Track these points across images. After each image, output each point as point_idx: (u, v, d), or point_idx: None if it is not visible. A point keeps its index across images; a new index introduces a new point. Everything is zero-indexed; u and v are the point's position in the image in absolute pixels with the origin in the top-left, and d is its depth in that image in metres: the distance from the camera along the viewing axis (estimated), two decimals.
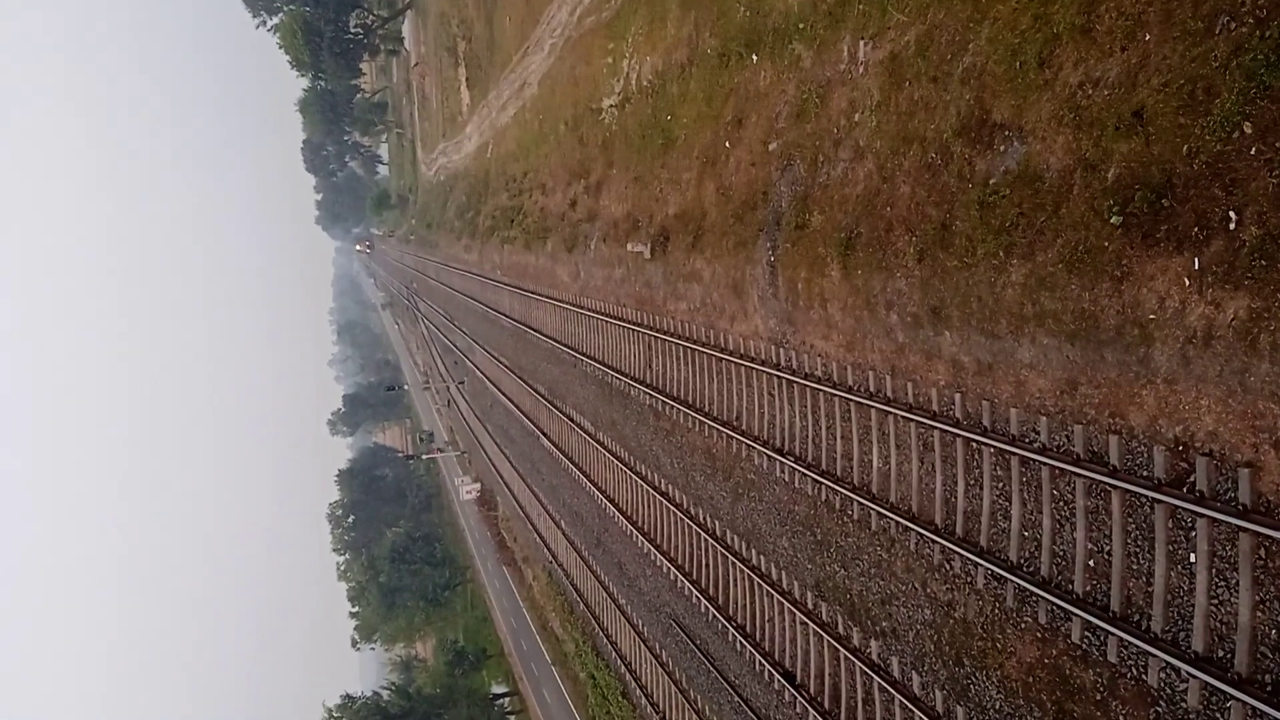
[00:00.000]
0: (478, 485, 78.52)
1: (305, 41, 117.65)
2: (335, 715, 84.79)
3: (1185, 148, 10.99)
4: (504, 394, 58.38)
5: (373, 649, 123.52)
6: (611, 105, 36.11)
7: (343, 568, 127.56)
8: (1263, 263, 10.04)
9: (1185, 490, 11.22)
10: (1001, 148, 14.32)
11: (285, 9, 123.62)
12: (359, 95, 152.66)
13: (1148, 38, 11.71)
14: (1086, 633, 12.94)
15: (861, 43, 18.53)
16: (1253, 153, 10.17)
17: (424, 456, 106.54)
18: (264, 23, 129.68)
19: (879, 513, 17.77)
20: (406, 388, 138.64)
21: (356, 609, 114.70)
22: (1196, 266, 10.84)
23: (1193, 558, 11.24)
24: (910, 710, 17.04)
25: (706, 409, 26.04)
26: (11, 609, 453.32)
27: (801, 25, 21.04)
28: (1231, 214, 10.40)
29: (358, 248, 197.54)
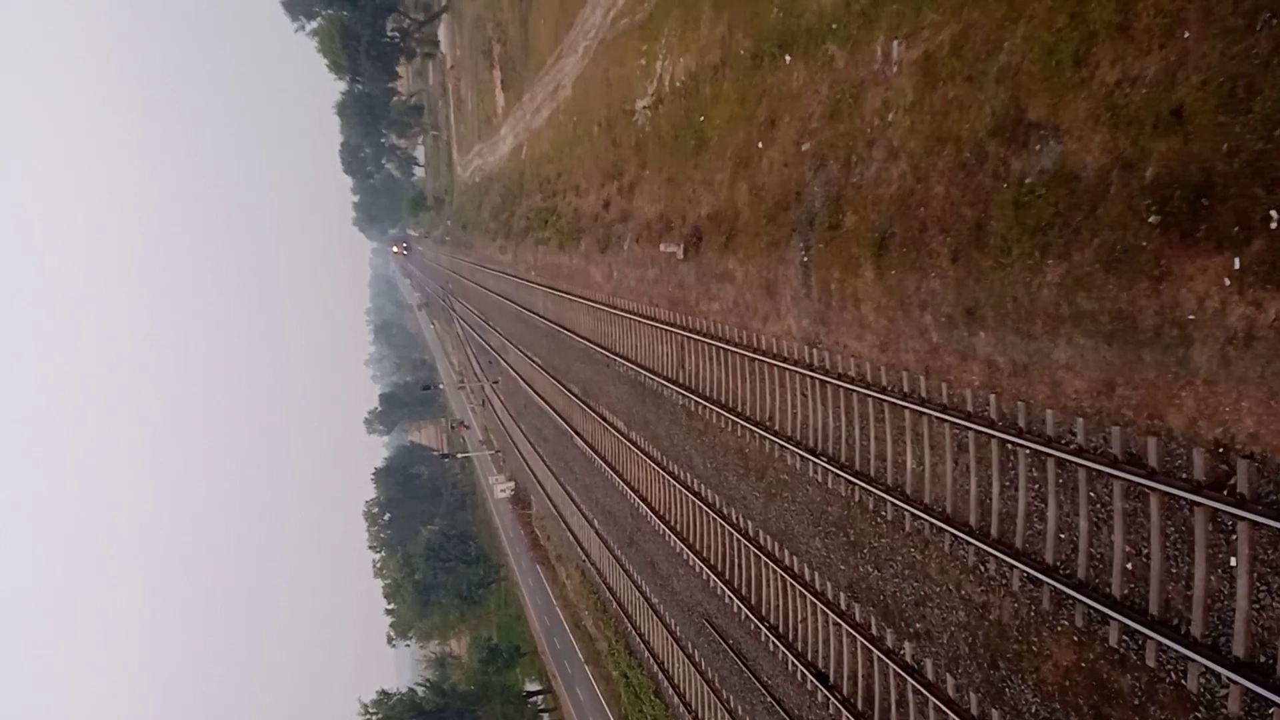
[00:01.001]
0: (512, 484, 78.92)
1: (343, 45, 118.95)
2: (371, 711, 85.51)
3: (1225, 146, 10.85)
4: (537, 393, 58.66)
5: (408, 646, 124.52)
6: (645, 106, 36.17)
7: (379, 565, 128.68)
8: None
9: (1226, 493, 11.08)
10: (1037, 147, 14.20)
11: (324, 14, 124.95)
12: (395, 98, 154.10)
13: (1186, 35, 11.56)
14: (1124, 636, 12.80)
15: (895, 42, 18.44)
16: None
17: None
18: (303, 27, 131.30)
19: (913, 514, 17.68)
20: (442, 387, 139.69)
21: (392, 606, 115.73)
22: (1237, 266, 10.70)
23: (1233, 561, 11.09)
24: (945, 713, 16.93)
25: (739, 409, 26.02)
26: (48, 599, 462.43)
27: (835, 25, 20.97)
28: (1273, 213, 10.25)
29: (395, 249, 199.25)
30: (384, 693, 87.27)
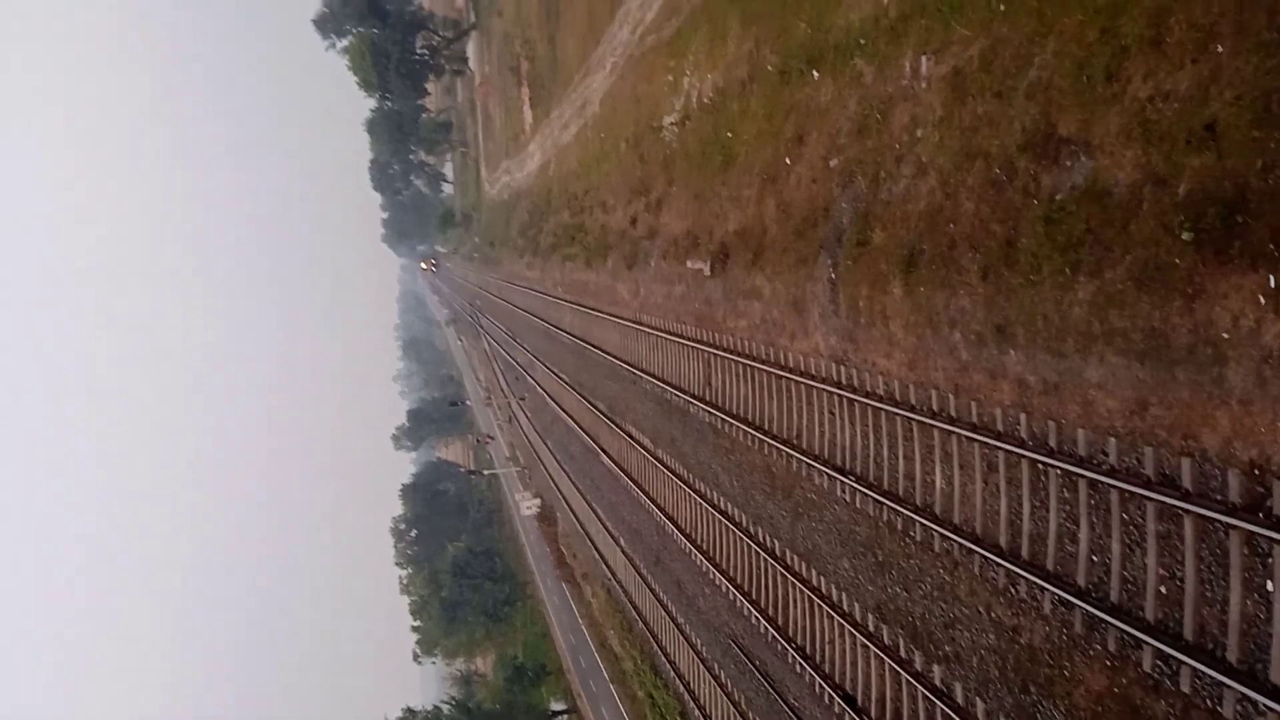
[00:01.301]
0: (538, 501, 78.93)
1: (373, 63, 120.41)
2: None
3: (1260, 162, 10.67)
4: (564, 410, 58.70)
5: (434, 663, 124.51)
6: (672, 123, 36.26)
7: (405, 581, 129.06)
8: None
9: (1261, 515, 10.83)
10: (1068, 163, 14.05)
11: (354, 31, 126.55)
12: (424, 115, 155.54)
13: (1220, 50, 11.41)
14: (1158, 661, 12.53)
15: (924, 58, 18.36)
16: None
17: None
18: (333, 45, 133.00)
19: (942, 534, 17.46)
20: (469, 403, 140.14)
21: (418, 623, 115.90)
22: (1273, 284, 10.50)
23: (1270, 585, 10.84)
24: None
25: (766, 427, 25.88)
26: (77, 609, 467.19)
27: (863, 41, 20.93)
28: None
29: (423, 265, 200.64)
30: (409, 710, 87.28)
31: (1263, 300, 10.62)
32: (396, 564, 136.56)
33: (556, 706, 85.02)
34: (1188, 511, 11.85)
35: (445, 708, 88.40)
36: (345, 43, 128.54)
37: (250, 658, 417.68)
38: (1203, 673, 11.59)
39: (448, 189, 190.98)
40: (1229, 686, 11.17)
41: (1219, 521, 11.40)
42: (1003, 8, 16.04)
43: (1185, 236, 11.57)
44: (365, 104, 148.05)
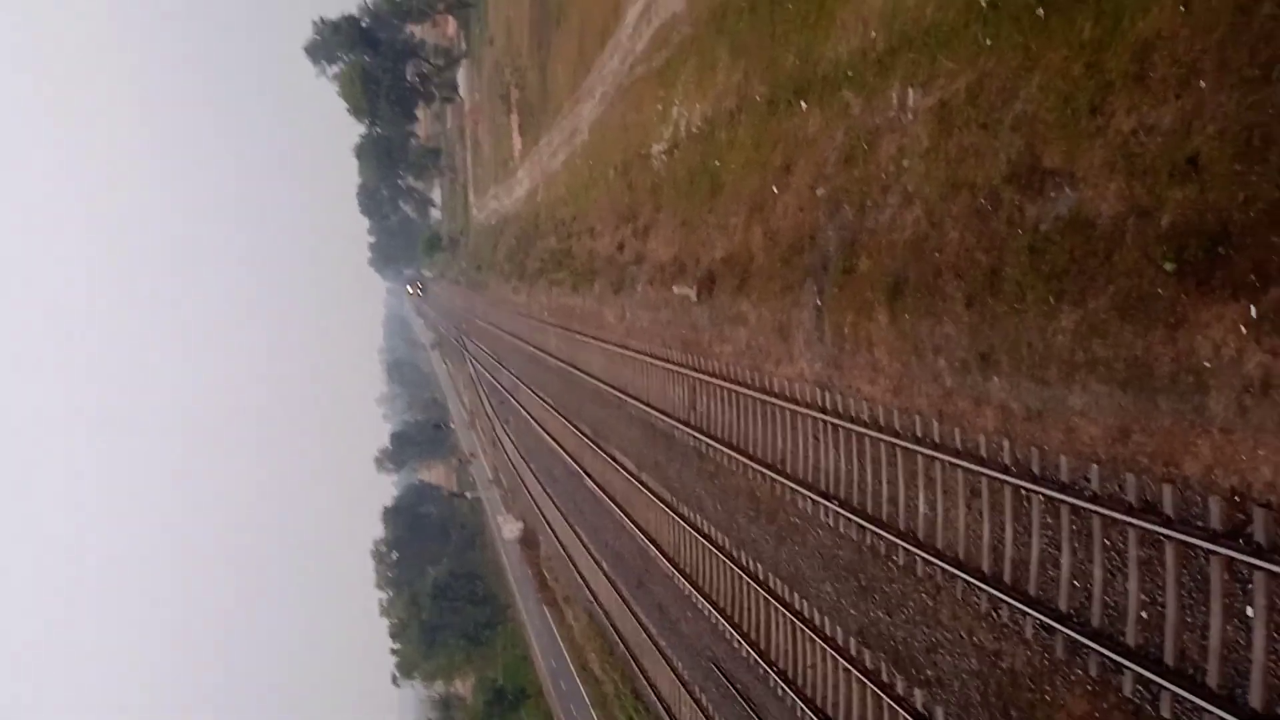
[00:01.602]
0: (520, 524, 78.65)
1: (363, 90, 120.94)
2: None
3: (1241, 195, 10.91)
4: (548, 434, 58.64)
5: (413, 686, 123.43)
6: (661, 151, 36.59)
7: (385, 604, 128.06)
8: None
9: (1242, 542, 10.98)
10: (1052, 194, 14.30)
11: (345, 59, 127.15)
12: (414, 141, 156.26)
13: (1202, 85, 11.69)
14: (1139, 686, 12.62)
15: (911, 90, 18.66)
16: None
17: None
18: (324, 72, 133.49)
19: (925, 559, 17.55)
20: (453, 426, 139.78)
21: (398, 645, 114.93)
22: (1254, 314, 10.71)
23: (1250, 611, 10.97)
24: None
25: (751, 451, 25.97)
26: (60, 637, 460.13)
27: (851, 73, 21.26)
28: None
29: (409, 289, 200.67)
30: None
31: (1244, 330, 10.83)
32: (377, 586, 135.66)
33: None
34: (1169, 538, 11.99)
35: None
36: (336, 69, 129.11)
37: (227, 677, 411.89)
38: (1183, 698, 11.69)
39: (435, 214, 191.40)
40: (1209, 711, 11.26)
41: (1200, 548, 11.54)
42: (989, 42, 16.36)
43: (1168, 267, 11.80)
44: (355, 129, 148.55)
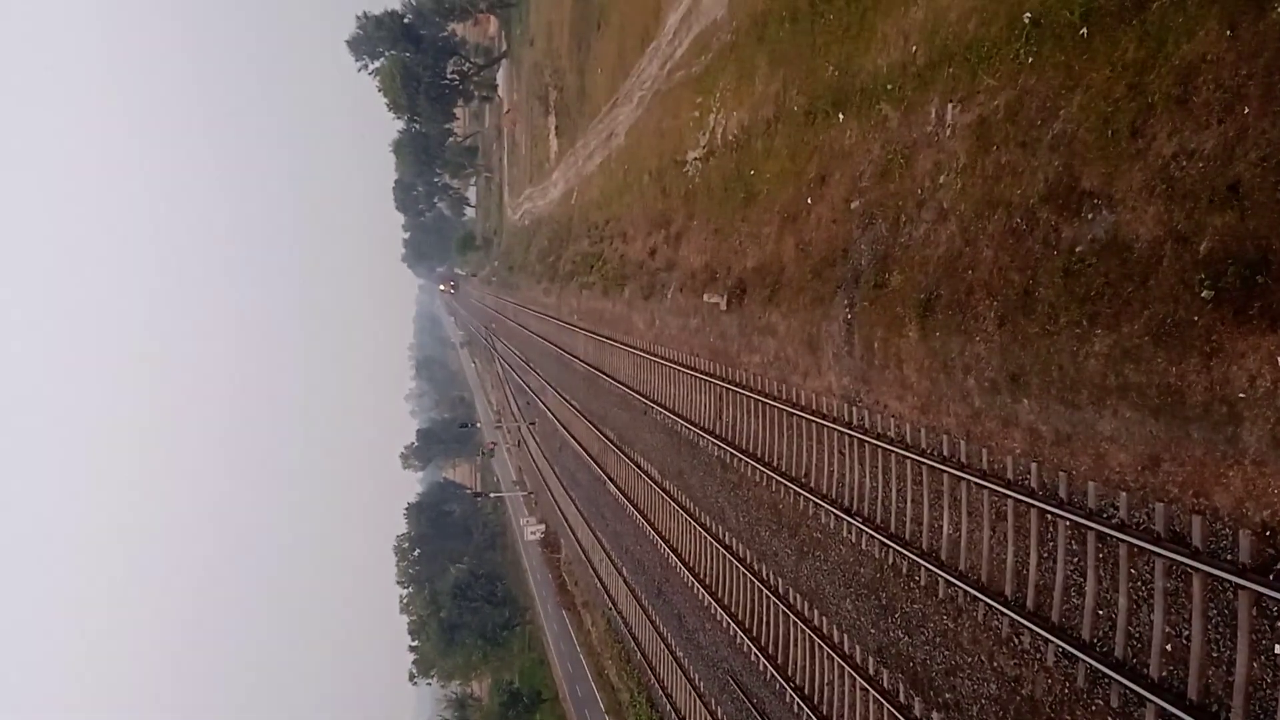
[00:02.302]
0: (542, 526, 78.78)
1: (403, 86, 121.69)
2: None
3: None
4: (573, 437, 58.71)
5: (429, 684, 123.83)
6: (696, 158, 36.53)
7: (405, 601, 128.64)
8: None
9: (1272, 577, 10.76)
10: (1089, 216, 14.11)
11: (387, 54, 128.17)
12: (451, 139, 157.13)
13: (1246, 111, 11.49)
14: None
15: (950, 105, 18.50)
16: None
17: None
18: (365, 67, 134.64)
19: (947, 580, 17.36)
20: (479, 425, 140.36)
21: (416, 643, 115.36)
22: None
23: (1278, 649, 10.74)
24: None
25: (775, 464, 25.83)
26: (83, 633, 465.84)
27: (889, 86, 21.11)
28: None
29: (442, 287, 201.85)
30: None
31: None
32: (398, 583, 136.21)
33: None
34: (1196, 570, 11.78)
35: None
36: (377, 65, 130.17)
37: (243, 671, 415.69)
38: None
39: (470, 212, 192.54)
40: None
41: (1228, 581, 11.32)
42: (1030, 60, 16.18)
43: (1205, 294, 11.60)
44: (393, 125, 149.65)
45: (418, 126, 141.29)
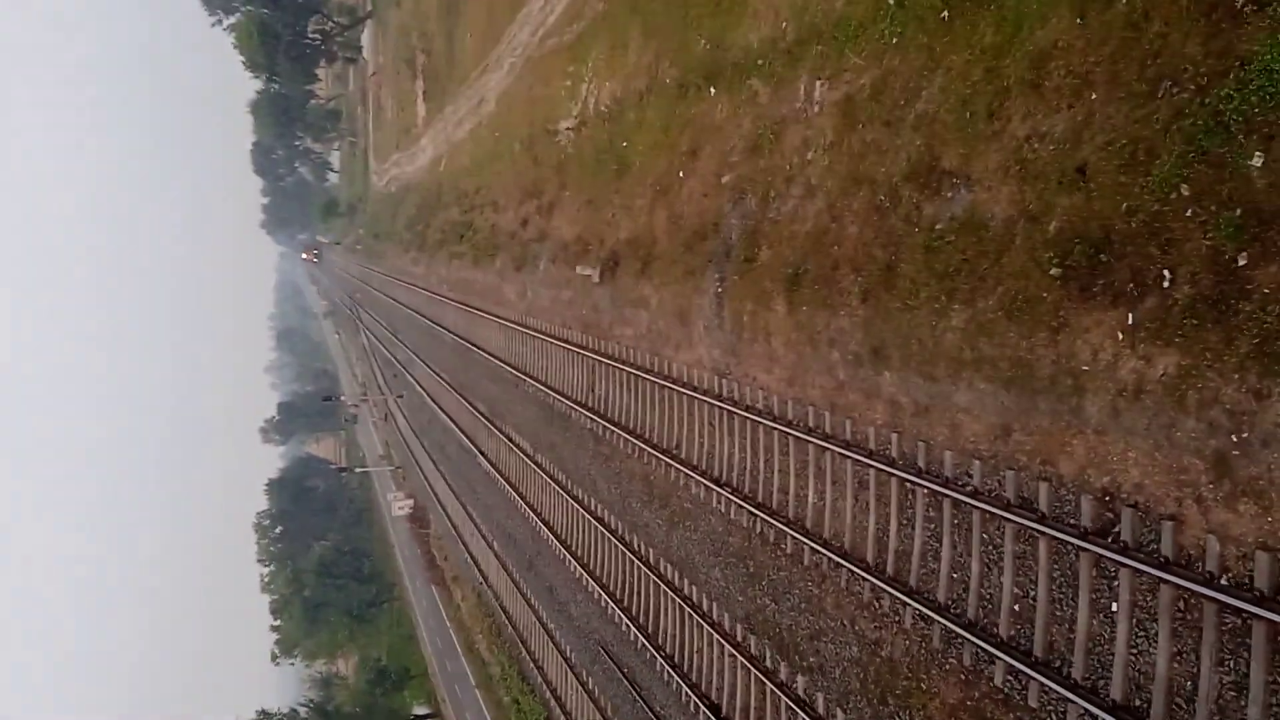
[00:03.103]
0: (410, 501, 77.41)
1: (261, 43, 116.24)
2: None
3: (1125, 205, 11.29)
4: (443, 410, 57.76)
5: (293, 664, 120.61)
6: (568, 128, 36.18)
7: (267, 579, 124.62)
8: (1194, 322, 10.33)
9: (1110, 540, 11.43)
10: (949, 194, 14.59)
11: (243, 9, 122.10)
12: (313, 101, 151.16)
13: (1094, 96, 12.04)
14: (1009, 676, 13.08)
15: (818, 83, 18.80)
16: (1189, 214, 10.48)
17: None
18: (220, 22, 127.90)
19: (812, 548, 17.84)
20: (344, 399, 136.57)
21: (278, 622, 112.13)
22: (1130, 321, 11.11)
23: (1115, 607, 11.44)
24: None
25: (647, 436, 25.99)
26: None
27: (760, 62, 21.31)
28: (1166, 272, 10.69)
29: (304, 255, 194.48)
30: (264, 713, 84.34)
31: (1121, 336, 11.23)
32: (258, 560, 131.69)
33: (420, 710, 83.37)
34: (1042, 534, 12.42)
35: (302, 710, 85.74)
36: (233, 20, 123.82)
37: (94, 651, 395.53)
38: (1049, 688, 12.15)
39: (333, 178, 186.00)
40: (1072, 702, 11.73)
41: (1071, 544, 11.97)
42: (895, 40, 16.57)
43: (1053, 272, 12.16)
44: (250, 85, 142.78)
45: (277, 87, 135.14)
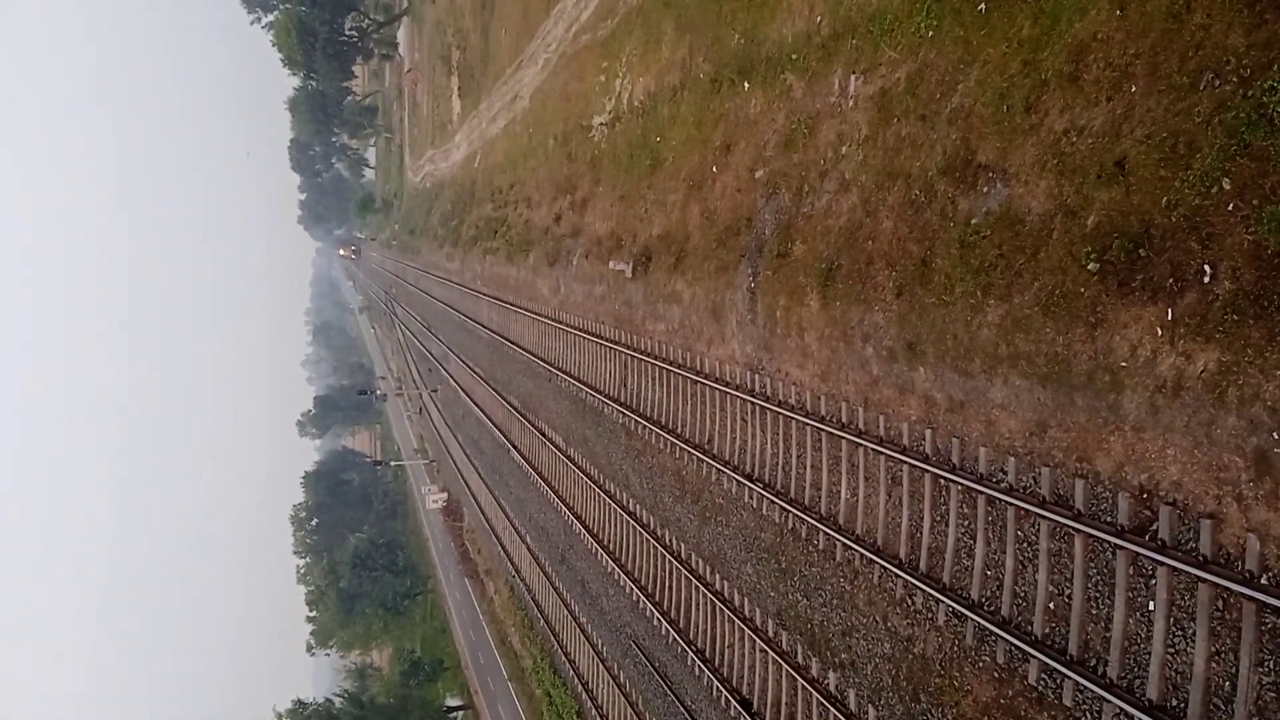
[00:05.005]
0: (444, 494, 78.00)
1: (299, 40, 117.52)
2: None
3: (1165, 200, 11.14)
4: (477, 404, 58.13)
5: (328, 655, 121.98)
6: (602, 123, 36.23)
7: (303, 571, 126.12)
8: (1234, 317, 10.18)
9: (1148, 538, 11.30)
10: (985, 189, 14.46)
11: (281, 7, 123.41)
12: (350, 97, 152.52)
13: (1133, 89, 11.89)
14: (1043, 675, 12.97)
15: (853, 77, 18.70)
16: (1230, 209, 10.32)
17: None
18: (259, 19, 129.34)
19: (844, 544, 17.78)
20: (380, 393, 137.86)
21: (314, 613, 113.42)
22: (1170, 317, 10.97)
23: (1152, 605, 11.31)
24: None
25: (679, 431, 26.02)
26: None
27: (794, 56, 21.22)
28: (1206, 268, 10.54)
29: (342, 251, 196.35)
30: (300, 702, 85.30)
31: (1160, 332, 11.09)
32: (295, 552, 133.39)
33: (452, 702, 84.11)
34: (1078, 531, 12.30)
35: (338, 700, 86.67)
36: (271, 18, 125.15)
37: (135, 642, 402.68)
38: (1084, 687, 12.04)
39: (369, 174, 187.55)
40: (1108, 701, 11.61)
41: (1108, 542, 11.85)
42: (930, 34, 16.44)
43: (1091, 267, 12.02)
44: (288, 82, 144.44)
45: (315, 84, 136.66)
